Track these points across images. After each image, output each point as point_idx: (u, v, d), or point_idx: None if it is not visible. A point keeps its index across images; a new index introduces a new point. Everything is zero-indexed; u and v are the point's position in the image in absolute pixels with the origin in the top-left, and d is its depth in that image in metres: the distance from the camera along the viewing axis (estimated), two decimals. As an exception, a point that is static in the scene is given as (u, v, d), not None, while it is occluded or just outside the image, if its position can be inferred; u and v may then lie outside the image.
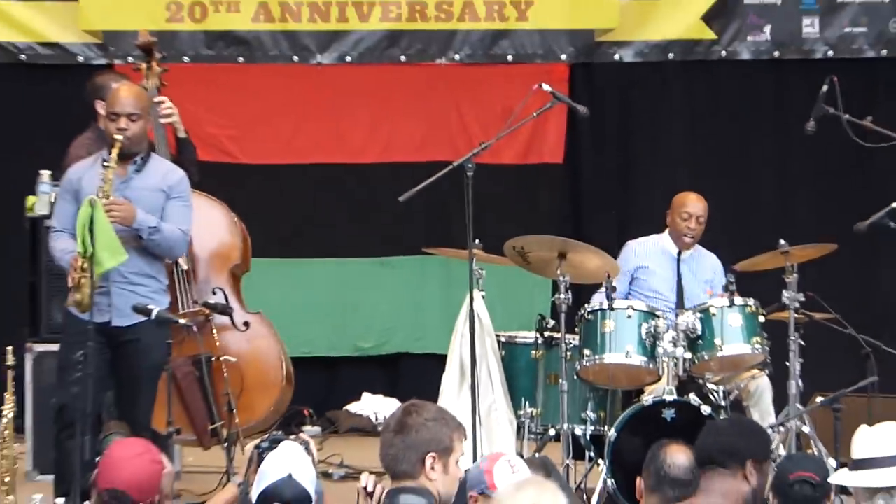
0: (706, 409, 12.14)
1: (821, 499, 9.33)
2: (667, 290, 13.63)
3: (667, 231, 13.92)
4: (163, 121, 12.71)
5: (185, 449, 13.59)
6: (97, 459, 10.47)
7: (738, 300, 12.86)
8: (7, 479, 11.58)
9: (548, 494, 7.32)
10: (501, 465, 8.72)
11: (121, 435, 10.08)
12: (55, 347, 12.69)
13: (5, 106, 16.45)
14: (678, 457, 9.12)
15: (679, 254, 13.83)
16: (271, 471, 8.26)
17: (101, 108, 11.98)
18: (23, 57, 16.71)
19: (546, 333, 13.16)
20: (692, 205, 13.81)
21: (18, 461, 12.06)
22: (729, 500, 8.70)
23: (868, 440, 8.55)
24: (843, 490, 9.66)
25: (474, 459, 11.58)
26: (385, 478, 8.40)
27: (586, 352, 12.78)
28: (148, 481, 8.37)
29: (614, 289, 13.01)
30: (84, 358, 11.32)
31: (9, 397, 11.91)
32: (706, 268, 13.77)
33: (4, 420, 11.79)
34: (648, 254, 13.88)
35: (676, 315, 12.92)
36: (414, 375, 15.27)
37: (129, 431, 11.27)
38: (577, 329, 12.90)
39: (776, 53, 17.12)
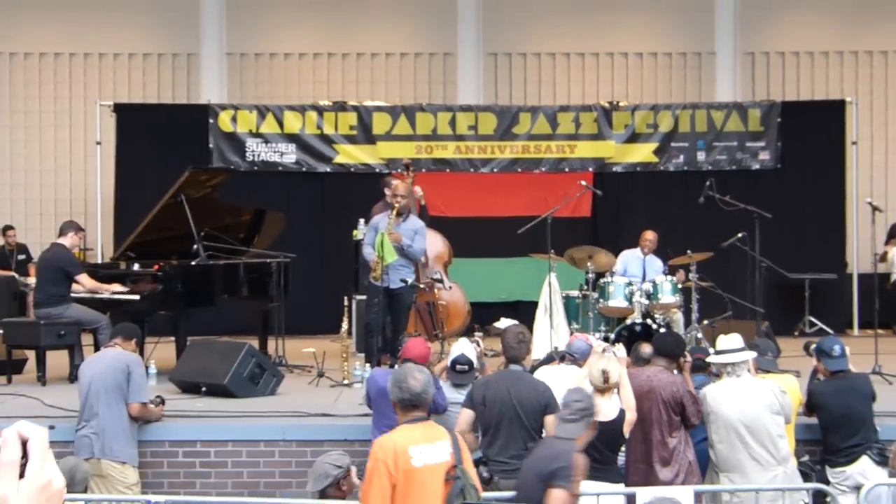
0: (654, 326, 11.87)
1: (706, 367, 9.32)
2: (638, 273, 13.28)
3: (638, 247, 13.65)
4: (416, 196, 12.65)
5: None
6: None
7: (669, 277, 12.63)
8: (344, 355, 11.43)
9: (613, 362, 7.77)
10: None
11: (410, 337, 10.11)
12: (365, 297, 12.56)
13: (345, 193, 16.28)
14: (645, 348, 8.95)
15: (644, 257, 13.53)
16: (455, 350, 8.84)
17: (387, 191, 11.95)
18: (352, 169, 16.62)
19: (583, 292, 12.93)
20: (646, 235, 13.58)
21: (349, 346, 11.91)
22: (670, 367, 8.55)
23: (722, 341, 8.83)
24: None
25: (550, 348, 11.49)
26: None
27: (601, 300, 12.53)
28: (425, 356, 8.45)
29: (612, 273, 12.82)
30: (377, 302, 11.29)
31: (345, 320, 11.81)
32: (656, 263, 13.45)
33: (343, 328, 11.68)
34: (630, 257, 13.60)
35: (642, 283, 12.63)
36: (524, 311, 14.88)
37: (395, 336, 11.23)
38: (596, 290, 12.64)
39: (685, 168, 16.75)
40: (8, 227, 16.53)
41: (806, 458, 9.13)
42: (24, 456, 2.02)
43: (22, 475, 2.01)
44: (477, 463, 7.88)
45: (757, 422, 8.25)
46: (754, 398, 8.32)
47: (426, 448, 5.93)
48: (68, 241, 11.66)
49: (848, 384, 8.98)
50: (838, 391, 8.95)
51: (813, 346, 9.35)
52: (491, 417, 8.01)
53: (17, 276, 15.33)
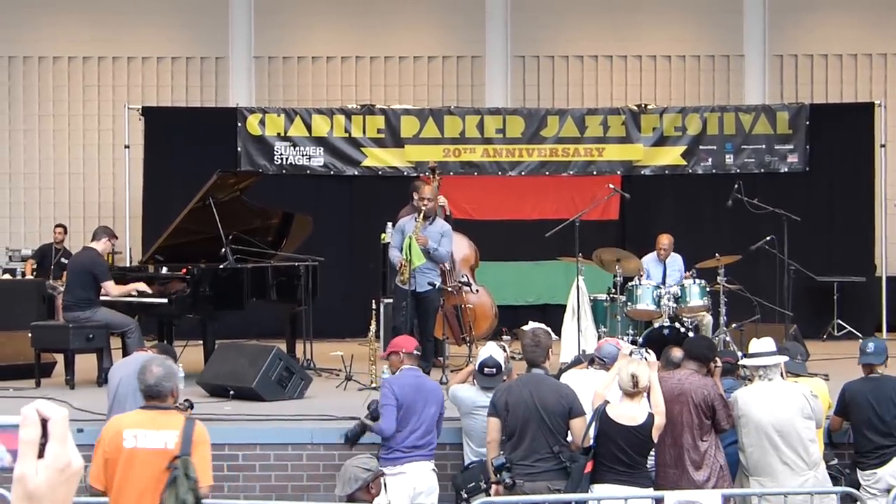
0: (683, 330, 11.78)
1: (735, 370, 9.30)
2: (658, 277, 13.11)
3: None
4: (440, 204, 12.54)
5: (452, 348, 13.36)
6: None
7: (698, 280, 12.47)
8: (372, 358, 11.37)
9: (642, 366, 7.85)
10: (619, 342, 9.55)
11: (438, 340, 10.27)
12: (391, 300, 12.50)
13: (374, 194, 16.24)
14: (676, 353, 8.88)
15: (663, 261, 13.43)
16: (483, 354, 8.81)
17: (414, 194, 11.82)
18: (380, 172, 16.57)
19: (610, 295, 12.85)
20: (661, 240, 13.51)
21: (378, 350, 11.82)
22: (700, 371, 8.47)
23: (755, 344, 8.75)
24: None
25: (578, 351, 11.42)
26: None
27: (628, 303, 12.42)
28: (414, 344, 8.94)
29: (644, 275, 12.72)
30: (404, 305, 11.25)
31: (373, 322, 11.72)
32: (676, 263, 13.35)
33: (371, 331, 11.59)
34: (651, 260, 13.45)
35: (670, 287, 12.52)
36: (552, 314, 14.79)
37: (423, 339, 11.16)
38: (624, 293, 12.55)
39: (714, 171, 16.63)
40: (59, 225, 16.79)
41: (835, 461, 9.08)
42: (44, 435, 1.98)
43: (41, 455, 1.98)
44: (500, 468, 7.85)
45: (789, 426, 8.18)
46: (786, 402, 8.25)
47: (145, 433, 6.22)
48: (101, 245, 11.68)
49: (881, 385, 8.93)
50: (871, 391, 8.90)
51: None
52: (514, 422, 7.98)
53: (48, 280, 15.41)
